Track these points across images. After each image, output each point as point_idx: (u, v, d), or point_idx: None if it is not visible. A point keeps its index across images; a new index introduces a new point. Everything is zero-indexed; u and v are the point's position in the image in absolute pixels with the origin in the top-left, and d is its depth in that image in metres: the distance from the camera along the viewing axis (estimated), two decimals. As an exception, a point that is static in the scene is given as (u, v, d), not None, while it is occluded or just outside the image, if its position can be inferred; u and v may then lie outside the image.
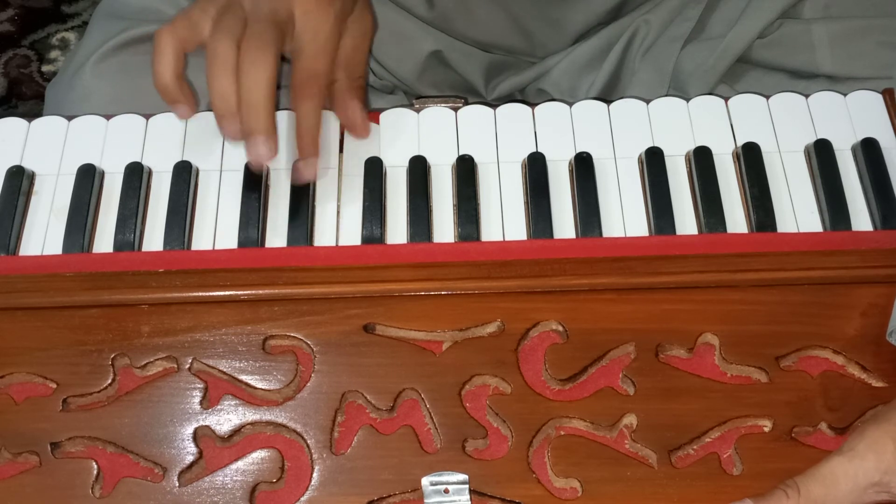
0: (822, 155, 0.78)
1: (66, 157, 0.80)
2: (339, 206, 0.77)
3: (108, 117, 0.82)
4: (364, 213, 0.76)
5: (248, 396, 0.68)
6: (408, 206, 0.77)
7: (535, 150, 0.79)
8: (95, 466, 0.66)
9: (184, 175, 0.78)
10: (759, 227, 0.75)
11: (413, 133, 0.81)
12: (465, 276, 0.71)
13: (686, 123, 0.81)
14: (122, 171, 0.78)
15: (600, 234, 0.75)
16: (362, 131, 0.80)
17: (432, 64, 0.97)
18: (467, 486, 0.65)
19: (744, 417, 0.67)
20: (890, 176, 0.77)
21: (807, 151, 0.79)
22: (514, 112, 0.82)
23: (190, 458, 0.66)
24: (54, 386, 0.68)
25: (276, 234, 0.76)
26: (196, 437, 0.67)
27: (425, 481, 0.65)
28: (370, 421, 0.67)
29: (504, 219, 0.76)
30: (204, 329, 0.70)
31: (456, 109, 0.82)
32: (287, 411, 0.68)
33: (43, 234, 0.76)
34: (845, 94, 0.82)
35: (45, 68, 1.74)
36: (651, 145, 0.79)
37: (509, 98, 1.00)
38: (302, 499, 0.65)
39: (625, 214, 0.76)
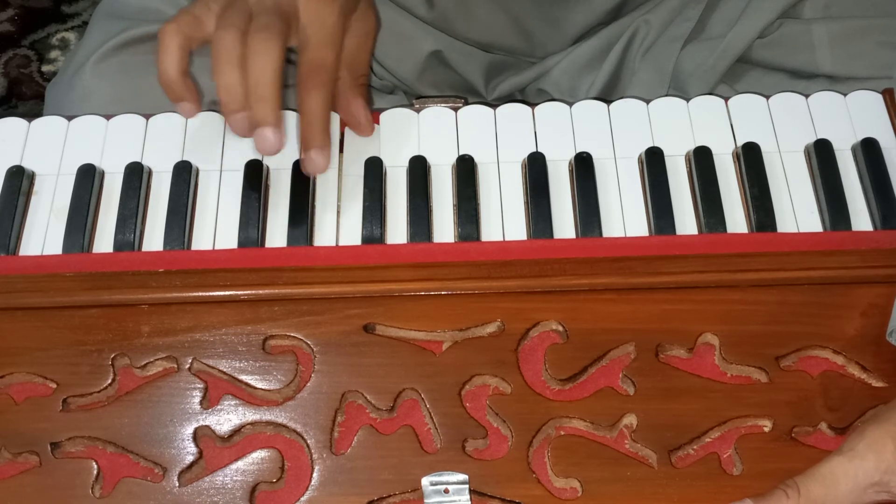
0: (822, 155, 0.78)
1: (66, 157, 0.80)
2: (339, 206, 0.77)
3: (108, 117, 0.82)
4: (364, 213, 0.76)
5: (248, 396, 0.68)
6: (408, 206, 0.77)
7: (535, 150, 0.79)
8: (95, 466, 0.66)
9: (184, 175, 0.78)
10: (759, 227, 0.75)
11: (413, 133, 0.81)
12: (465, 276, 0.71)
13: (686, 123, 0.81)
14: (122, 171, 0.78)
15: (600, 234, 0.75)
16: (366, 130, 0.80)
17: (432, 64, 0.97)
18: (467, 486, 0.65)
19: (744, 417, 0.67)
20: (890, 176, 0.77)
21: (807, 151, 0.79)
22: (514, 112, 0.82)
23: (190, 458, 0.66)
24: (54, 386, 0.68)
25: (276, 234, 0.76)
26: (196, 437, 0.67)
27: (425, 481, 0.65)
28: (370, 421, 0.67)
29: (504, 219, 0.76)
30: (204, 329, 0.70)
31: (456, 109, 0.82)
32: (287, 411, 0.68)
33: (43, 234, 0.76)
34: (845, 94, 0.82)
35: (45, 68, 1.74)
36: (651, 145, 0.79)
37: (509, 98, 1.00)
38: (302, 499, 0.65)
39: (625, 214, 0.76)
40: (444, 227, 0.76)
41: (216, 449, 0.67)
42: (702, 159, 0.78)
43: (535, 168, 0.78)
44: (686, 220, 0.76)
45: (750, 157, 0.78)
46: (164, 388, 0.68)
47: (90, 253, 0.75)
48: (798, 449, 0.66)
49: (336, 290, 0.71)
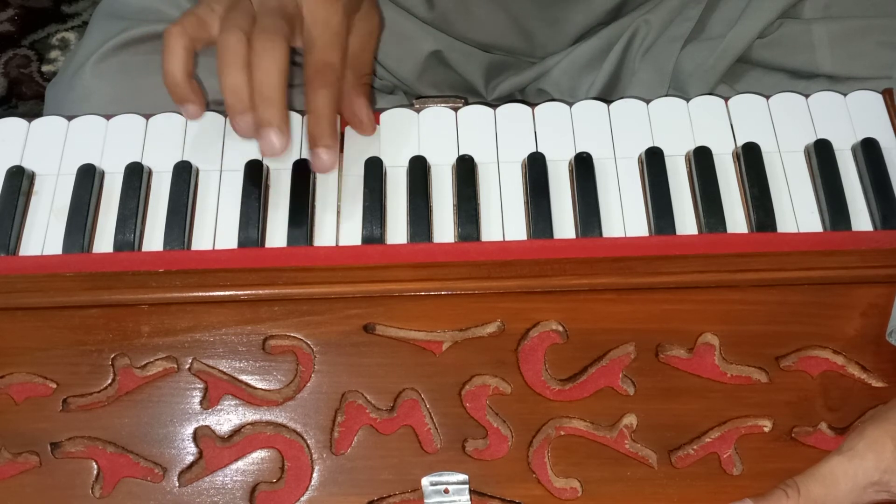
0: (822, 155, 0.78)
1: (66, 157, 0.80)
2: (339, 206, 0.77)
3: (108, 117, 0.82)
4: (364, 213, 0.76)
5: (248, 396, 0.68)
6: (408, 206, 0.77)
7: (535, 150, 0.79)
8: (95, 466, 0.66)
9: (184, 175, 0.78)
10: (759, 227, 0.75)
11: (413, 133, 0.81)
12: (465, 276, 0.71)
13: (686, 123, 0.81)
14: (122, 171, 0.78)
15: (600, 234, 0.75)
16: (368, 129, 0.80)
17: (432, 64, 0.97)
18: (467, 486, 0.65)
19: (744, 417, 0.67)
20: (890, 176, 0.77)
21: (807, 151, 0.79)
22: (514, 112, 0.82)
23: (190, 458, 0.66)
24: (54, 386, 0.68)
25: (276, 234, 0.76)
26: (196, 437, 0.67)
27: (425, 481, 0.65)
28: (370, 421, 0.67)
29: (504, 219, 0.76)
30: (204, 329, 0.70)
31: (456, 109, 0.82)
32: (287, 411, 0.68)
33: (43, 234, 0.76)
34: (845, 94, 0.82)
35: (45, 68, 1.74)
36: (651, 145, 0.79)
37: (509, 98, 1.00)
38: (302, 499, 0.65)
39: (625, 214, 0.76)
40: (444, 227, 0.76)
41: (216, 449, 0.67)
42: (702, 159, 0.78)
43: (535, 168, 0.78)
44: (686, 220, 0.76)
45: (750, 157, 0.78)
46: (164, 388, 0.68)
47: (90, 253, 0.75)
48: (798, 449, 0.66)
49: (336, 290, 0.71)
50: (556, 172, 0.78)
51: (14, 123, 0.82)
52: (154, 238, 0.76)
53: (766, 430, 0.67)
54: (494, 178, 0.78)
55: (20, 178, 0.78)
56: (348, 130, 0.81)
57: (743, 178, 0.77)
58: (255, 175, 0.77)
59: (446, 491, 0.65)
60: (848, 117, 0.81)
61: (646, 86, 0.94)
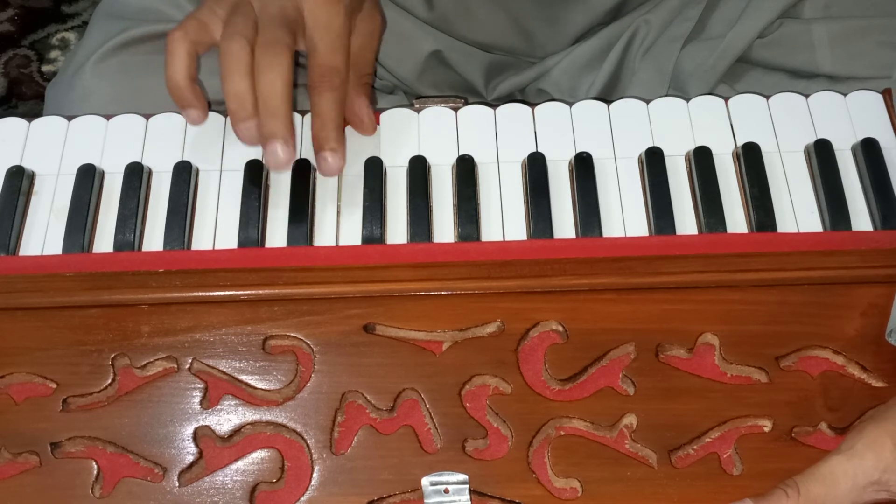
0: (822, 155, 0.78)
1: (66, 157, 0.80)
2: (339, 206, 0.77)
3: (108, 117, 0.82)
4: (364, 213, 0.76)
5: (248, 396, 0.68)
6: (408, 206, 0.77)
7: (535, 150, 0.79)
8: (95, 466, 0.66)
9: (184, 175, 0.78)
10: (759, 227, 0.75)
11: (413, 133, 0.81)
12: (465, 276, 0.71)
13: (686, 123, 0.81)
14: (122, 171, 0.78)
15: (600, 234, 0.75)
16: (368, 129, 0.80)
17: (432, 64, 0.97)
18: (467, 486, 0.65)
19: (744, 417, 0.67)
20: (890, 176, 0.77)
21: (807, 151, 0.79)
22: (514, 112, 0.82)
23: (190, 458, 0.66)
24: (54, 386, 0.68)
25: (276, 234, 0.76)
26: (196, 437, 0.67)
27: (425, 481, 0.65)
28: (370, 421, 0.67)
29: (504, 219, 0.76)
30: (204, 329, 0.70)
31: (456, 109, 0.82)
32: (287, 411, 0.68)
33: (43, 234, 0.76)
34: (845, 94, 0.82)
35: (45, 68, 1.74)
36: (651, 145, 0.79)
37: (509, 98, 1.00)
38: (302, 499, 0.65)
39: (625, 214, 0.76)
40: (444, 227, 0.76)
41: (216, 449, 0.67)
42: (702, 159, 0.78)
43: (535, 168, 0.78)
44: (686, 220, 0.76)
45: (750, 157, 0.78)
46: (164, 388, 0.68)
47: (90, 253, 0.75)
48: (798, 449, 0.66)
49: (336, 290, 0.71)
50: (556, 172, 0.78)
51: (14, 123, 0.82)
52: (154, 238, 0.76)
53: (766, 430, 0.67)
54: (494, 178, 0.78)
55: (20, 178, 0.78)
56: (348, 130, 0.81)
57: (743, 178, 0.77)
58: (255, 175, 0.77)
59: (446, 491, 0.65)
60: (848, 117, 0.81)
61: (646, 86, 0.94)
